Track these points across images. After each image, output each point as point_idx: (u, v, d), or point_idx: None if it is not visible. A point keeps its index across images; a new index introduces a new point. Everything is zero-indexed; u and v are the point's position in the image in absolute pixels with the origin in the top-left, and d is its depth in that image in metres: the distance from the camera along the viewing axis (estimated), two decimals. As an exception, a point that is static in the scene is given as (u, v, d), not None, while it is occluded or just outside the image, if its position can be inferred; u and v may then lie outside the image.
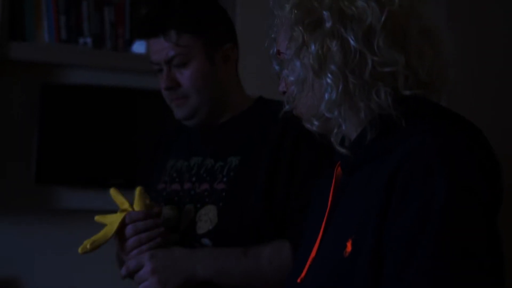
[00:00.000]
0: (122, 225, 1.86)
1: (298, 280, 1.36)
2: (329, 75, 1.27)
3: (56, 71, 3.63)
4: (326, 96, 1.28)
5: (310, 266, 1.35)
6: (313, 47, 1.28)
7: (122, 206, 1.88)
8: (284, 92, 1.42)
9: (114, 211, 3.55)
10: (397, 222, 1.17)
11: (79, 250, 1.84)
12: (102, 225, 3.56)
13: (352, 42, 1.25)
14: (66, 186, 3.61)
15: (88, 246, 1.83)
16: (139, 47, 3.56)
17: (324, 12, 1.28)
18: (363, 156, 1.30)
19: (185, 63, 1.92)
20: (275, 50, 1.44)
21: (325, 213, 1.37)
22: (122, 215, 1.86)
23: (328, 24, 1.27)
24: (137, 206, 1.86)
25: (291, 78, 1.34)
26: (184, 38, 1.91)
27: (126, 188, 3.46)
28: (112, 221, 1.86)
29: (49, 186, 3.59)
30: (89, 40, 3.56)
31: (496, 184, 1.26)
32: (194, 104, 1.94)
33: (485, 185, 1.21)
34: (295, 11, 1.32)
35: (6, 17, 3.36)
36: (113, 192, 1.90)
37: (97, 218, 1.89)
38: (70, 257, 3.49)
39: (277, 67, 1.45)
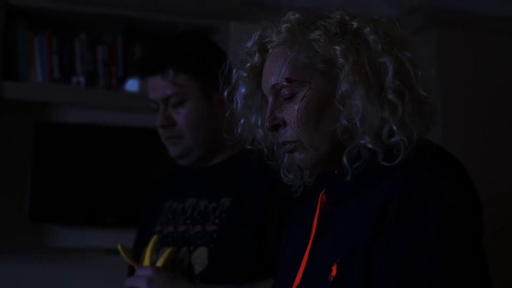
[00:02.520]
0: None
1: None
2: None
3: (49, 110, 3.65)
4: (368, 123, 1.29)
5: None
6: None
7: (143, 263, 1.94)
8: (275, 126, 1.38)
9: (109, 249, 3.55)
10: (390, 249, 1.19)
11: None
12: (96, 264, 3.58)
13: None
14: (60, 224, 3.60)
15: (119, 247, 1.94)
16: (132, 85, 3.58)
17: (388, 62, 1.29)
18: (350, 185, 1.31)
19: (181, 102, 1.94)
20: (278, 81, 1.36)
21: (309, 241, 1.37)
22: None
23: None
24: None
25: (356, 115, 1.30)
26: (181, 78, 1.93)
27: (120, 226, 3.50)
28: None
29: (43, 224, 3.58)
30: (82, 79, 3.57)
31: (477, 215, 1.30)
32: (188, 144, 1.95)
33: (469, 215, 1.25)
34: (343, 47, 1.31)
35: (0, 57, 3.37)
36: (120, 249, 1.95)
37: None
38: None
39: (286, 94, 1.36)
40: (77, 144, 3.60)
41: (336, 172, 1.38)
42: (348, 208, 1.31)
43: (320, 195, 1.42)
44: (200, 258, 1.88)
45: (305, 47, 1.34)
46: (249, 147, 1.50)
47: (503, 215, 3.50)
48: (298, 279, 1.35)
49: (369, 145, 1.28)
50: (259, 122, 1.46)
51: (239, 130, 1.49)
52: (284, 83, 1.34)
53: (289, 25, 1.38)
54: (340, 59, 1.30)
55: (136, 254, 2.08)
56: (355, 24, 1.33)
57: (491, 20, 3.75)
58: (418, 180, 1.22)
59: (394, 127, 1.27)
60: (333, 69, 1.32)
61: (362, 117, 1.28)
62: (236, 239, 1.86)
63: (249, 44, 1.45)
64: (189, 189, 2.03)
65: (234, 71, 1.47)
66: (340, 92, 1.31)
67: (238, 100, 1.47)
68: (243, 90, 1.46)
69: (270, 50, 1.40)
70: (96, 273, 3.57)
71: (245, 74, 1.45)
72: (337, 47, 1.30)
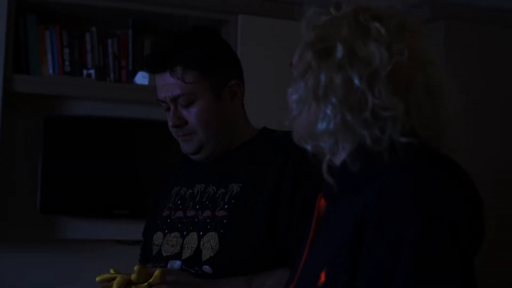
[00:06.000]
0: None
1: None
2: (329, 106, 1.30)
3: (60, 103, 3.68)
4: (324, 125, 1.31)
5: None
6: (319, 75, 1.31)
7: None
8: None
9: (119, 241, 3.59)
10: (370, 257, 1.18)
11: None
12: (106, 254, 3.61)
13: (356, 81, 1.28)
14: (71, 216, 3.64)
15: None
16: (141, 78, 3.61)
17: (338, 44, 1.30)
18: (344, 186, 1.33)
19: (191, 102, 1.94)
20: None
21: (307, 242, 1.41)
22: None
23: (337, 56, 1.29)
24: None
25: (294, 96, 1.37)
26: (190, 75, 1.92)
27: (130, 218, 3.53)
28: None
29: (54, 217, 3.62)
30: (92, 72, 3.61)
31: (476, 220, 1.28)
32: (201, 140, 1.96)
33: (460, 220, 1.22)
34: (312, 33, 1.35)
35: (11, 51, 3.41)
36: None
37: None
38: (75, 286, 3.52)
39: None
40: (87, 137, 3.64)
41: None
42: (340, 209, 1.33)
43: (319, 197, 1.45)
44: (209, 243, 1.90)
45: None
46: None
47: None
48: (295, 281, 1.39)
49: (368, 140, 1.28)
50: None
51: None
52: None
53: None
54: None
55: (147, 241, 2.12)
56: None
57: (497, 14, 3.76)
58: (399, 184, 1.22)
59: (391, 128, 1.27)
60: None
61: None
62: (246, 224, 1.88)
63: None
64: (198, 176, 2.05)
65: None
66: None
67: None
68: None
69: None
70: (107, 264, 3.58)
71: None
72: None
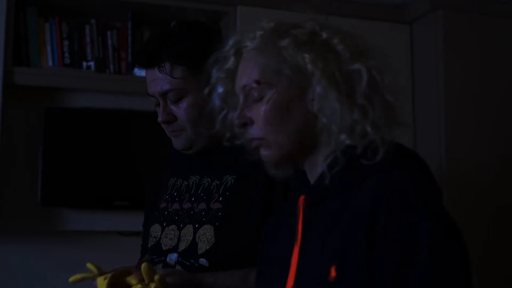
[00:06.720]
0: None
1: None
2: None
3: (60, 95, 3.69)
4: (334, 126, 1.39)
5: None
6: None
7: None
8: (244, 124, 1.48)
9: (119, 232, 3.60)
10: (384, 254, 1.25)
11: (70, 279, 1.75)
12: (106, 246, 3.62)
13: (359, 98, 1.38)
14: (71, 208, 3.65)
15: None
16: (141, 70, 3.60)
17: (361, 67, 1.39)
18: (331, 189, 1.39)
19: (180, 97, 1.94)
20: (247, 82, 1.47)
21: (295, 244, 1.44)
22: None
23: (362, 84, 1.39)
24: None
25: (326, 115, 1.40)
26: (178, 71, 1.93)
27: (129, 210, 3.54)
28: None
29: (55, 208, 3.63)
30: (92, 64, 3.61)
31: None
32: (191, 136, 1.97)
33: (446, 210, 1.32)
34: (306, 53, 1.41)
35: (11, 43, 3.41)
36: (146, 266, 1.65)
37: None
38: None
39: (255, 95, 1.47)
40: (87, 129, 3.64)
41: (311, 175, 1.48)
42: (331, 209, 1.38)
43: (300, 200, 1.48)
44: (205, 235, 1.90)
45: (274, 54, 1.44)
46: (226, 143, 1.60)
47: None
48: (290, 281, 1.41)
49: (348, 141, 1.37)
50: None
51: (218, 126, 1.59)
52: (253, 84, 1.45)
53: (262, 32, 1.47)
54: (309, 66, 1.39)
55: (145, 235, 2.13)
56: (324, 35, 1.43)
57: (496, 3, 3.76)
58: (401, 182, 1.31)
59: (368, 128, 1.37)
60: (300, 75, 1.41)
61: (338, 116, 1.37)
62: (241, 216, 1.88)
63: (226, 47, 1.54)
64: (192, 168, 2.05)
65: (213, 71, 1.57)
66: (313, 95, 1.40)
67: (216, 99, 1.58)
68: (220, 90, 1.57)
69: (245, 54, 1.50)
70: (106, 255, 3.60)
71: (222, 75, 1.55)
72: (306, 55, 1.40)
